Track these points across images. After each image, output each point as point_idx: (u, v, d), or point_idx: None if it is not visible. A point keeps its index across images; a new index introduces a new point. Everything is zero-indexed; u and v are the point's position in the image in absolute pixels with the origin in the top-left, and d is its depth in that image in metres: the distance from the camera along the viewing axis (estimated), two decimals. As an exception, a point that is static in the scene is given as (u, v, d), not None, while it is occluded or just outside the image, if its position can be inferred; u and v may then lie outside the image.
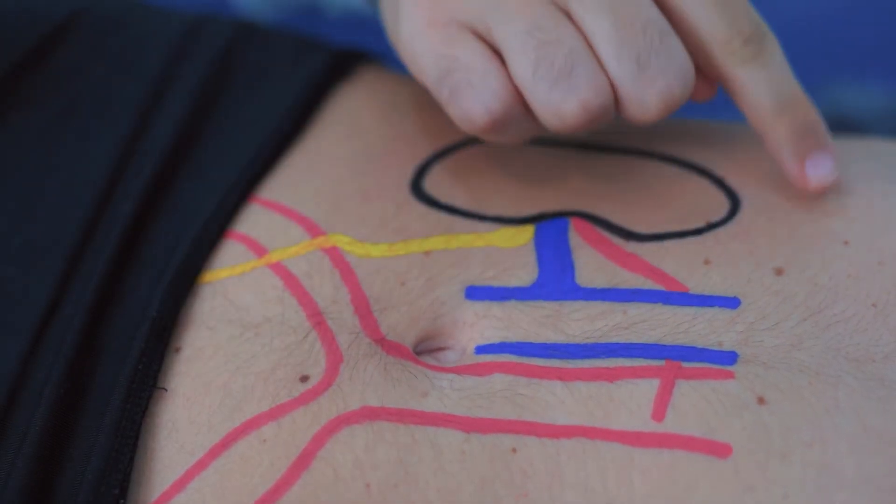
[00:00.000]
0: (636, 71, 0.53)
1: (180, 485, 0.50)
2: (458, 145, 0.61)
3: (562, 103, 0.53)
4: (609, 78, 0.54)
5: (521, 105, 0.54)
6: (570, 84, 0.53)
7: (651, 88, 0.53)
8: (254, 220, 0.58)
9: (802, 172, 0.56)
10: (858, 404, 0.49)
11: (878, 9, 1.29)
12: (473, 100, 0.54)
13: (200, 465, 0.50)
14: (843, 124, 1.03)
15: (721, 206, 0.57)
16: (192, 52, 0.65)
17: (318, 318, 0.54)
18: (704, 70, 0.56)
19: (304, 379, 0.52)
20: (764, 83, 0.56)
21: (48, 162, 0.60)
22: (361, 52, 0.67)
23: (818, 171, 0.56)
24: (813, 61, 1.25)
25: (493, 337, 0.53)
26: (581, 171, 0.60)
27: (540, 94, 0.53)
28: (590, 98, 0.53)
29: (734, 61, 0.55)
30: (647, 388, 0.50)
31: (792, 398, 0.49)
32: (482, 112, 0.54)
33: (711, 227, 0.56)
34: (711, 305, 0.53)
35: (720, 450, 0.48)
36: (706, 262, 0.54)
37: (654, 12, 0.54)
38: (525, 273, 0.55)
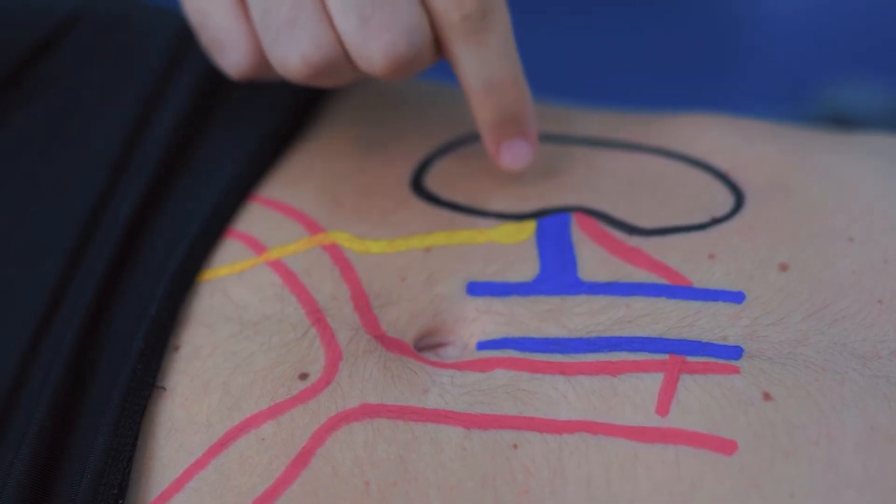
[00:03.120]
0: (359, 24, 0.53)
1: (179, 484, 0.50)
2: (458, 142, 0.61)
3: (286, 54, 0.54)
4: (337, 32, 0.54)
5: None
6: (292, 36, 0.54)
7: (374, 42, 0.53)
8: (253, 219, 0.58)
9: (496, 154, 0.57)
10: (864, 402, 0.48)
11: (878, 8, 1.29)
12: (226, 60, 0.57)
13: (199, 465, 0.50)
14: (843, 124, 1.03)
15: (725, 201, 0.57)
16: (192, 51, 0.65)
17: (317, 315, 0.54)
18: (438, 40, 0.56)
19: (304, 377, 0.52)
20: (475, 63, 0.55)
21: (48, 161, 0.60)
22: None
23: (510, 156, 0.56)
24: (813, 61, 1.26)
25: (495, 333, 0.53)
26: (583, 166, 0.60)
27: (266, 44, 0.54)
28: (310, 51, 0.54)
29: (451, 35, 0.55)
30: (651, 383, 0.50)
31: (798, 394, 0.49)
32: (235, 71, 0.57)
33: (716, 222, 0.56)
34: (716, 300, 0.52)
35: (726, 446, 0.47)
36: (710, 256, 0.54)
37: None
38: (527, 268, 0.55)
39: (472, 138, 0.61)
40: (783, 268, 0.54)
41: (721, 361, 0.50)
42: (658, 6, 1.33)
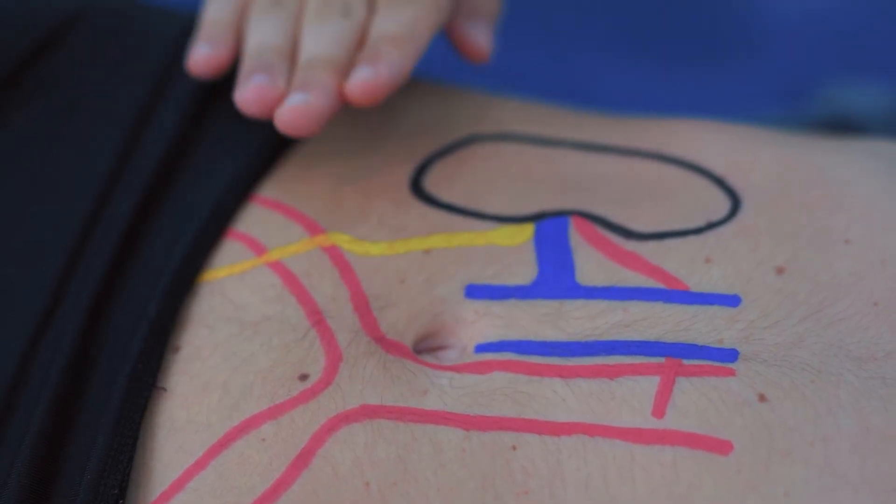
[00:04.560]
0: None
1: (179, 485, 0.50)
2: (457, 144, 0.61)
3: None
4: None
5: None
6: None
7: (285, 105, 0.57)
8: (253, 219, 0.58)
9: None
10: (860, 403, 0.49)
11: (878, 9, 1.29)
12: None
13: (199, 465, 0.50)
14: (843, 124, 1.03)
15: (722, 205, 0.57)
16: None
17: (317, 317, 0.54)
18: None
19: (304, 377, 0.52)
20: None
21: (48, 161, 0.60)
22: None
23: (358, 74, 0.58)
24: (813, 61, 1.26)
25: (493, 335, 0.53)
26: (581, 170, 0.60)
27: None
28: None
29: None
30: (648, 386, 0.50)
31: (793, 396, 0.49)
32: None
33: (712, 226, 0.56)
34: (712, 303, 0.53)
35: (721, 447, 0.47)
36: (707, 260, 0.54)
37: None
38: (525, 271, 0.55)
39: (471, 140, 0.61)
40: (780, 270, 0.54)
41: (717, 364, 0.50)
42: (659, 4, 1.33)
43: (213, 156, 0.61)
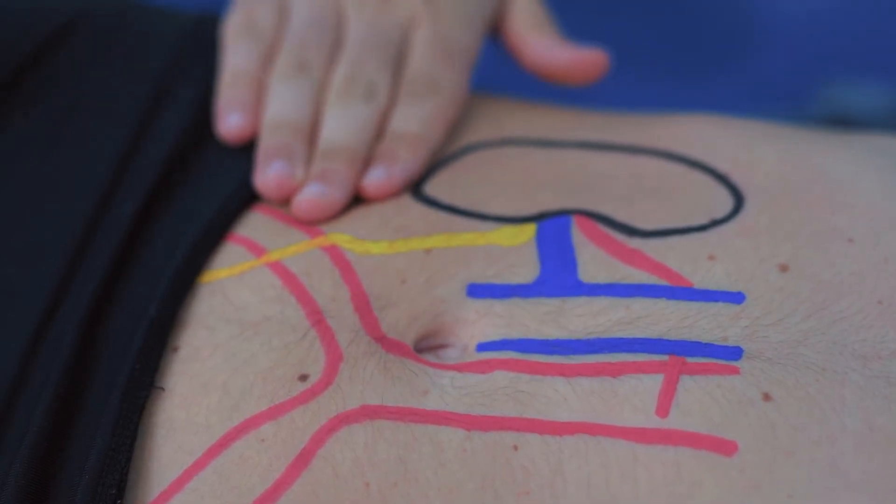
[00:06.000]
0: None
1: (178, 485, 0.50)
2: (457, 154, 0.62)
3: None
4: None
5: None
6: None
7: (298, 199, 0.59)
8: (254, 224, 0.58)
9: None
10: (865, 402, 0.48)
11: (878, 9, 1.29)
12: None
13: (199, 465, 0.50)
14: (843, 123, 1.03)
15: (725, 202, 0.57)
16: (195, 53, 0.65)
17: (317, 317, 0.54)
18: None
19: (304, 378, 0.52)
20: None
21: (50, 162, 0.61)
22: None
23: (373, 174, 0.60)
24: (813, 61, 1.26)
25: (495, 334, 0.53)
26: (583, 169, 0.60)
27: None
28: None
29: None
30: (651, 384, 0.49)
31: (798, 395, 0.49)
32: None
33: (715, 223, 0.56)
34: (716, 300, 0.52)
35: (726, 447, 0.47)
36: (710, 257, 0.54)
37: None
38: (527, 271, 0.55)
39: (472, 148, 0.62)
40: (783, 268, 0.54)
41: (721, 362, 0.50)
42: (660, 4, 1.34)
43: (215, 160, 0.62)
